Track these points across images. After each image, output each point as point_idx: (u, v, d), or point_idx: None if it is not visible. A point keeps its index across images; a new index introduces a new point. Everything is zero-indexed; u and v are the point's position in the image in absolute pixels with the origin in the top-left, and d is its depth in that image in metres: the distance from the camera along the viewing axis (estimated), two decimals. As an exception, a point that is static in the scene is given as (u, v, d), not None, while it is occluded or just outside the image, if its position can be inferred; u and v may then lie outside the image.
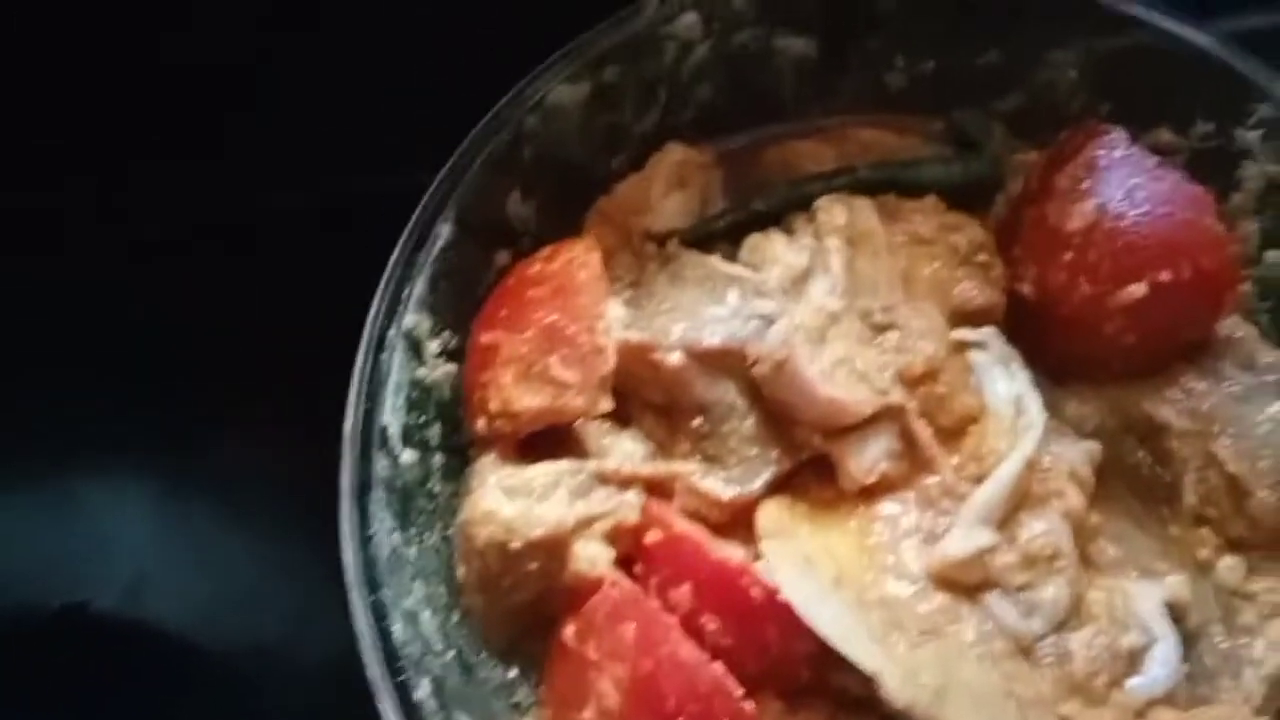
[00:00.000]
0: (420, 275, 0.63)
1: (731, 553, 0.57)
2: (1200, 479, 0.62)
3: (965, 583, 0.57)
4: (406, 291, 0.63)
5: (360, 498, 0.58)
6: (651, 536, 0.58)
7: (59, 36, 0.80)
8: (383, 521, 0.58)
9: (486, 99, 0.68)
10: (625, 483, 0.60)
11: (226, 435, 0.81)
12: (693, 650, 0.54)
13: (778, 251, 0.65)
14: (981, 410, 0.62)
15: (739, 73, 0.73)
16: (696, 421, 0.61)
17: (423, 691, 0.55)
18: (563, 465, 0.60)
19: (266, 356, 0.77)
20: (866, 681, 0.54)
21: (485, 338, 0.63)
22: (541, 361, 0.60)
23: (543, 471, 0.60)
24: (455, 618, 0.61)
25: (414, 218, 0.64)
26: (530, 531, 0.58)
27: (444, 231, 0.65)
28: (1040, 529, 0.59)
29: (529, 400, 0.60)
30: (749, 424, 0.61)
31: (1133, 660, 0.57)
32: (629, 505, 0.59)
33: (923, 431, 0.61)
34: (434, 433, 0.64)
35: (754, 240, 0.67)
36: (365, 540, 0.57)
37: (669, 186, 0.70)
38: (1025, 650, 0.57)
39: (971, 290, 0.66)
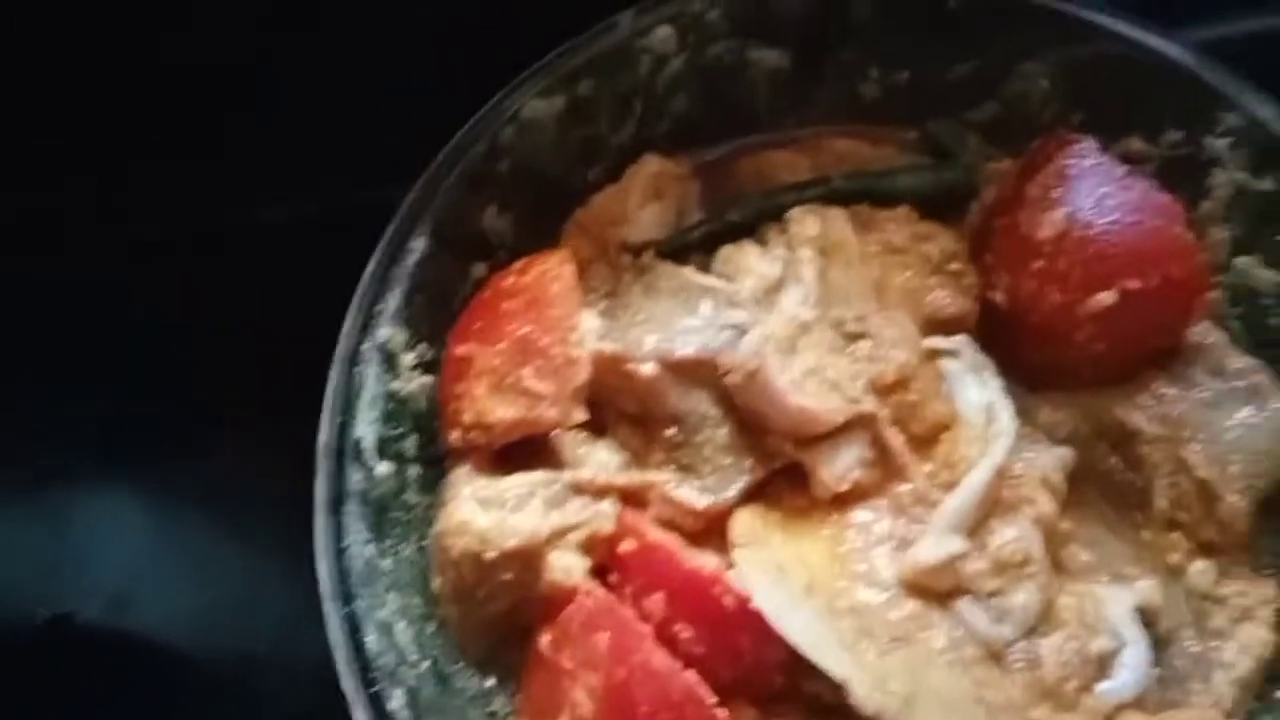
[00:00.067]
0: (395, 288, 0.64)
1: (704, 561, 0.58)
2: (1171, 484, 0.62)
3: (937, 589, 0.58)
4: (381, 305, 0.63)
5: (334, 510, 0.59)
6: (625, 546, 0.59)
7: (59, 37, 0.80)
8: (358, 533, 0.59)
9: (488, 100, 0.68)
10: (600, 492, 0.60)
11: (220, 439, 0.81)
12: (665, 659, 0.54)
13: (751, 262, 0.66)
14: (953, 418, 0.63)
15: (714, 85, 0.73)
16: (671, 431, 0.62)
17: (397, 702, 0.56)
18: (537, 476, 0.61)
19: (263, 359, 0.77)
20: (838, 689, 0.54)
21: (460, 350, 0.64)
22: (515, 373, 0.61)
23: (517, 482, 0.60)
24: (431, 628, 0.61)
25: (389, 231, 0.65)
26: (505, 542, 0.58)
27: (419, 245, 0.65)
28: (1011, 535, 0.59)
29: (503, 412, 0.61)
30: (723, 433, 0.61)
31: (1103, 665, 0.57)
32: (604, 515, 0.60)
33: (895, 439, 0.61)
34: (409, 445, 0.64)
35: (727, 251, 0.67)
36: (340, 552, 0.58)
37: (645, 198, 0.71)
38: (996, 656, 0.57)
39: (944, 299, 0.66)
